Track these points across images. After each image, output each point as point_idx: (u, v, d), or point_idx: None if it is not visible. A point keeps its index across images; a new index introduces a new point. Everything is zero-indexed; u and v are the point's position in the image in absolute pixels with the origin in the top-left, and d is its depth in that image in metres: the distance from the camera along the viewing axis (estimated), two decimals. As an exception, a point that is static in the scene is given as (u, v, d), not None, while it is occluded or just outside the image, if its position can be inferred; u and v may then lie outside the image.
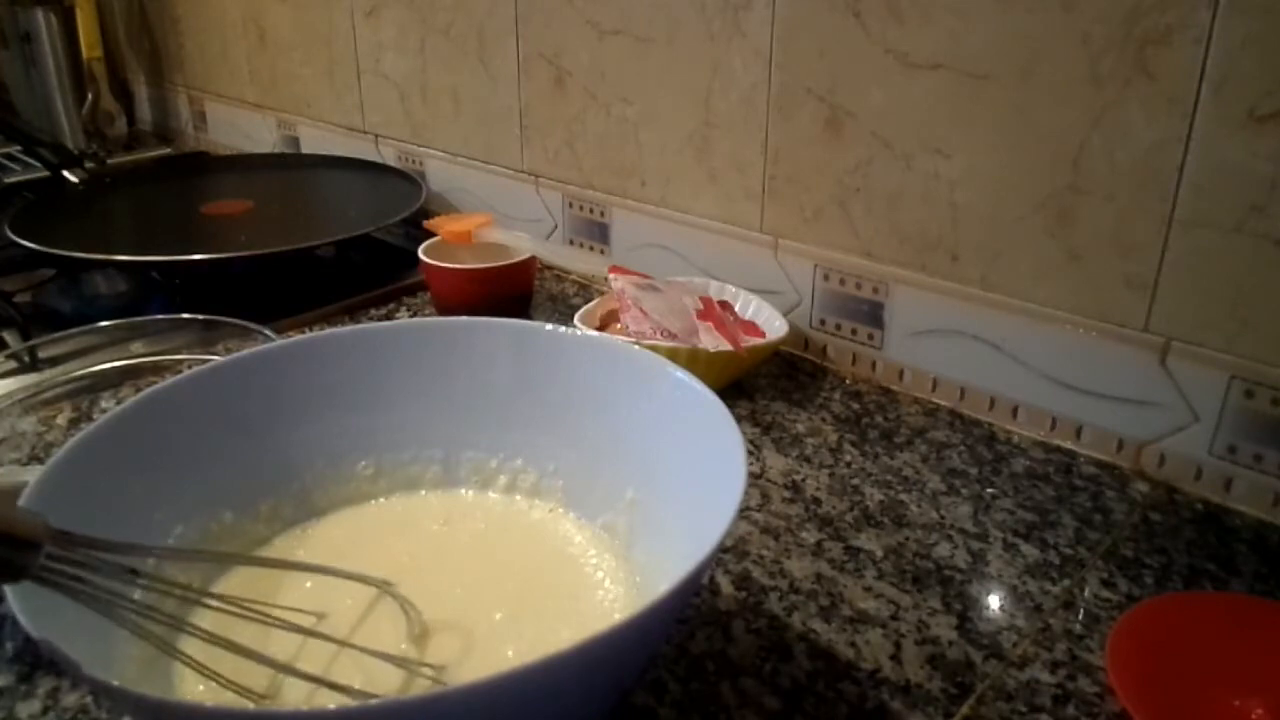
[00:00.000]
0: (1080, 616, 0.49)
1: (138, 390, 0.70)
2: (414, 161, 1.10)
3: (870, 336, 0.74)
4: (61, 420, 0.64)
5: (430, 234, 0.85)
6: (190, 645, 0.37)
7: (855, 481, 0.60)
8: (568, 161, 0.92)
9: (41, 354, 0.73)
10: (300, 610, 0.41)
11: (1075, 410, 0.64)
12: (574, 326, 0.70)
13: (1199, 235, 0.56)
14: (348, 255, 0.96)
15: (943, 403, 0.70)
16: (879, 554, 0.53)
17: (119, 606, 0.34)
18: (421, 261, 0.82)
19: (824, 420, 0.68)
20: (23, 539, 0.31)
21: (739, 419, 0.43)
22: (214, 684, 0.36)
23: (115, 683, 0.30)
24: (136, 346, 0.75)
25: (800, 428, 0.67)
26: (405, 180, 1.07)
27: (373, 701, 0.35)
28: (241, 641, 0.36)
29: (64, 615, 0.34)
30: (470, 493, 0.52)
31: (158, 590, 0.37)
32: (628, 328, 0.68)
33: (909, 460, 0.63)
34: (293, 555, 0.47)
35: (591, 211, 0.92)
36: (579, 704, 0.36)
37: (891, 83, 0.67)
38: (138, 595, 0.35)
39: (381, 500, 0.51)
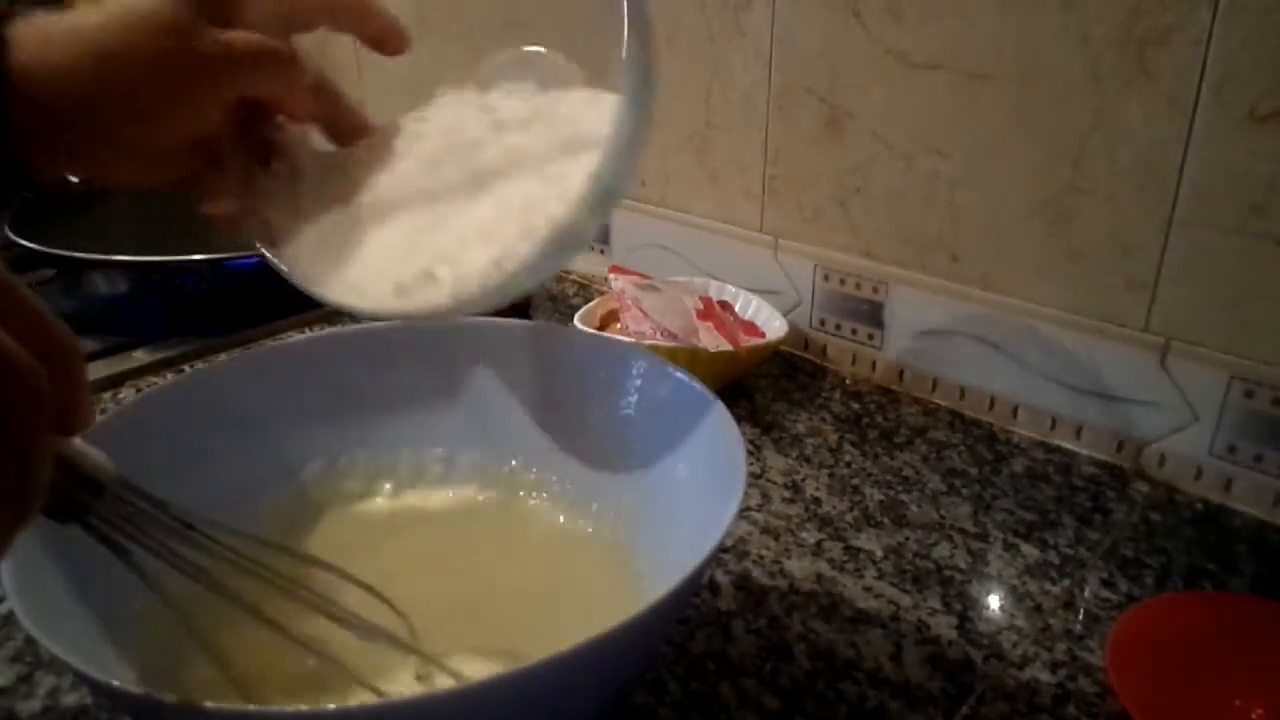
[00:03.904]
0: (1080, 616, 0.49)
1: (138, 390, 0.70)
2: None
3: (870, 336, 0.74)
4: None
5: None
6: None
7: (855, 481, 0.60)
8: (568, 161, 0.92)
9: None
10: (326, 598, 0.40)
11: (1075, 410, 0.64)
12: (574, 326, 0.70)
13: (1199, 235, 0.56)
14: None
15: (943, 403, 0.70)
16: (879, 554, 0.53)
17: (169, 562, 0.33)
18: (421, 261, 0.82)
19: (824, 420, 0.68)
20: (89, 477, 0.31)
21: (739, 419, 0.43)
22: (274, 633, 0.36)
23: (115, 683, 0.30)
24: (139, 354, 0.76)
25: (800, 428, 0.67)
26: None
27: (372, 702, 0.35)
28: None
29: (64, 615, 0.34)
30: (470, 491, 0.52)
31: (204, 551, 0.36)
32: (628, 328, 0.68)
33: (909, 460, 0.63)
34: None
35: (591, 211, 0.91)
36: (579, 704, 0.36)
37: (891, 83, 0.67)
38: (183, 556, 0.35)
39: (381, 499, 0.51)
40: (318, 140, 0.44)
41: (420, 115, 0.43)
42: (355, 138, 0.44)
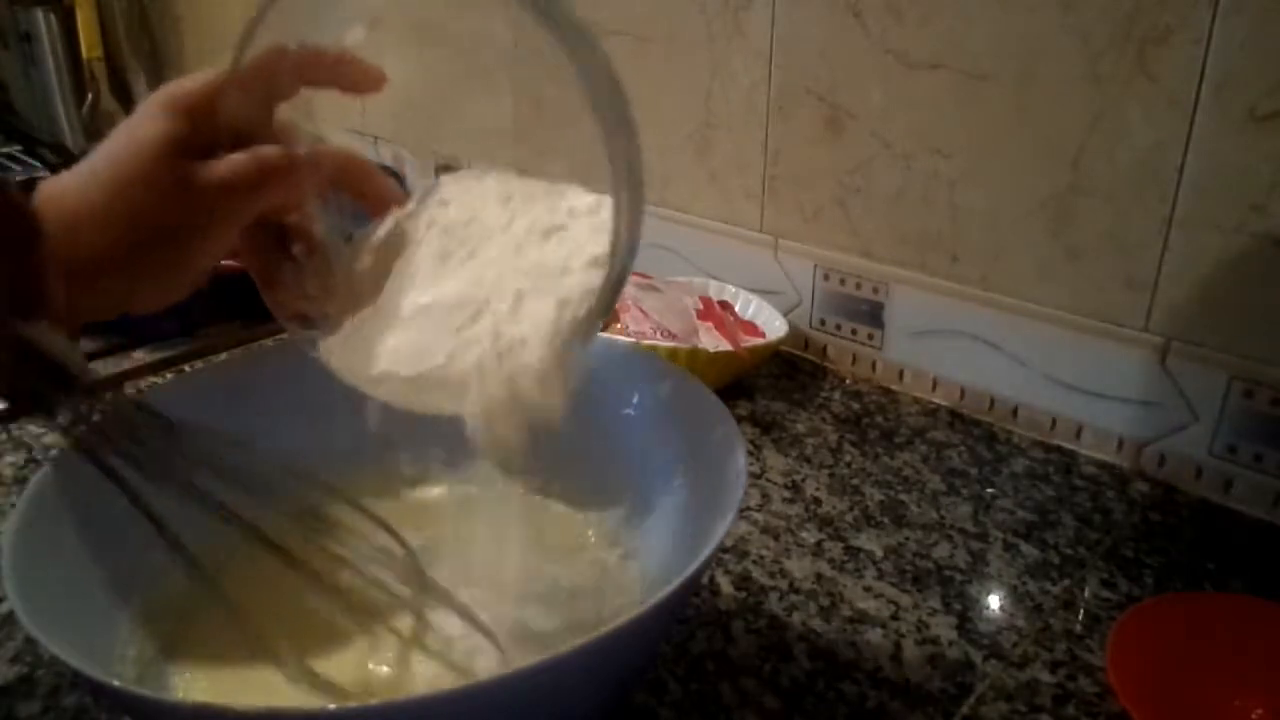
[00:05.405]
0: (1080, 616, 0.49)
1: (138, 390, 0.70)
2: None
3: (870, 336, 0.74)
4: (62, 419, 0.64)
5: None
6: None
7: (855, 481, 0.60)
8: (568, 161, 0.92)
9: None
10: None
11: (1075, 410, 0.64)
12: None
13: (1199, 235, 0.56)
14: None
15: (943, 403, 0.70)
16: (879, 554, 0.53)
17: (162, 486, 0.33)
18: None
19: (824, 420, 0.68)
20: (54, 365, 0.30)
21: (739, 419, 0.43)
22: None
23: (115, 683, 0.30)
24: (139, 354, 0.75)
25: (800, 428, 0.67)
26: (403, 182, 1.07)
27: (372, 702, 0.35)
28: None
29: (64, 615, 0.34)
30: (470, 491, 0.52)
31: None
32: (628, 328, 0.68)
33: (909, 460, 0.63)
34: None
35: (591, 211, 0.91)
36: (579, 704, 0.36)
37: (891, 83, 0.67)
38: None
39: (380, 499, 0.51)
40: (323, 211, 0.44)
41: (439, 196, 0.43)
42: (370, 190, 0.43)
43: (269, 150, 0.38)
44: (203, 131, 0.38)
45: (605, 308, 0.36)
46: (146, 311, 0.40)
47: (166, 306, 0.40)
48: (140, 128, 0.37)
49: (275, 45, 0.38)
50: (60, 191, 0.37)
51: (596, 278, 0.35)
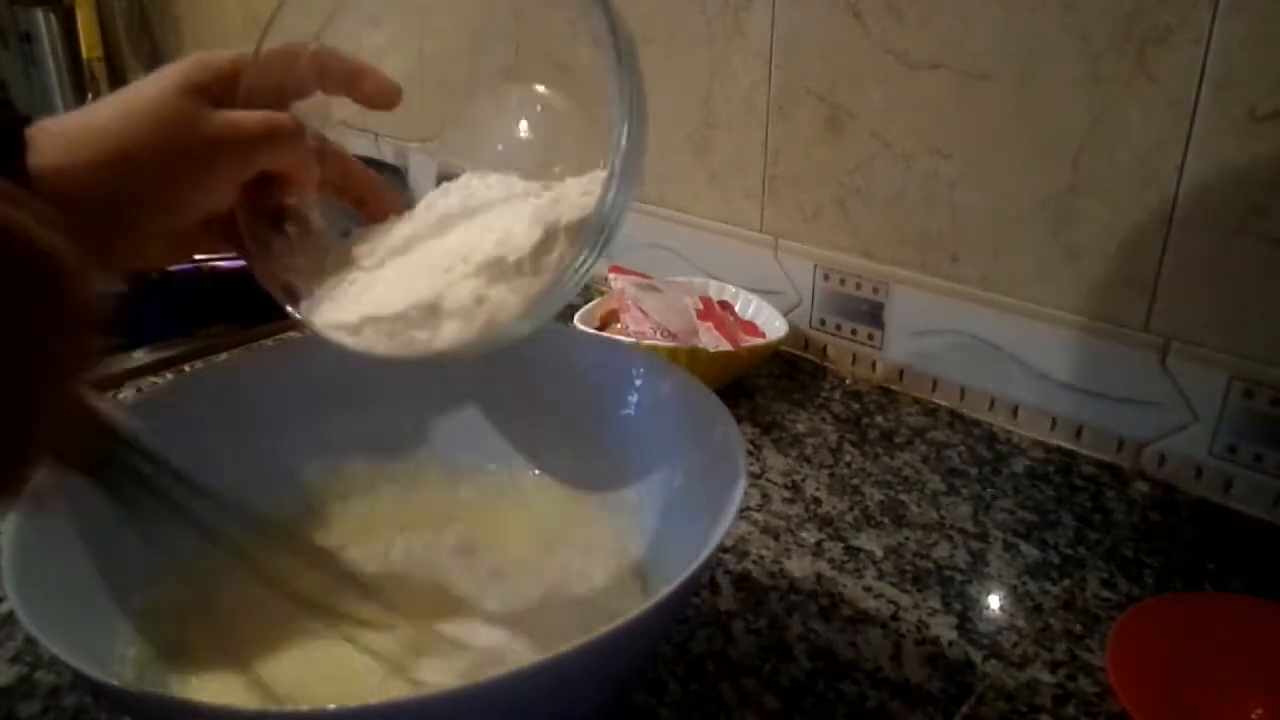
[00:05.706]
0: (1080, 616, 0.49)
1: (138, 390, 0.70)
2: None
3: (870, 336, 0.74)
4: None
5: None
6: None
7: (855, 481, 0.60)
8: (568, 161, 0.92)
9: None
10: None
11: (1075, 410, 0.64)
12: (574, 326, 0.70)
13: (1199, 235, 0.56)
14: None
15: (943, 403, 0.70)
16: (879, 554, 0.53)
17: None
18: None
19: (824, 420, 0.68)
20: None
21: (739, 419, 0.43)
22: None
23: (115, 683, 0.30)
24: (139, 354, 0.75)
25: (800, 428, 0.67)
26: (403, 178, 1.07)
27: (372, 701, 0.35)
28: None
29: (64, 615, 0.34)
30: (471, 491, 0.52)
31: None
32: (628, 328, 0.68)
33: (909, 460, 0.63)
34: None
35: (591, 211, 0.91)
36: (579, 704, 0.36)
37: (891, 83, 0.67)
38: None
39: (381, 500, 0.51)
40: (323, 204, 0.44)
41: (441, 188, 0.44)
42: (370, 198, 0.44)
43: (280, 113, 0.39)
44: (223, 93, 0.38)
45: (596, 223, 0.35)
46: (149, 268, 0.40)
47: (164, 267, 0.40)
48: (166, 71, 0.38)
49: (294, 42, 0.39)
50: (63, 131, 0.37)
51: (590, 201, 0.36)
